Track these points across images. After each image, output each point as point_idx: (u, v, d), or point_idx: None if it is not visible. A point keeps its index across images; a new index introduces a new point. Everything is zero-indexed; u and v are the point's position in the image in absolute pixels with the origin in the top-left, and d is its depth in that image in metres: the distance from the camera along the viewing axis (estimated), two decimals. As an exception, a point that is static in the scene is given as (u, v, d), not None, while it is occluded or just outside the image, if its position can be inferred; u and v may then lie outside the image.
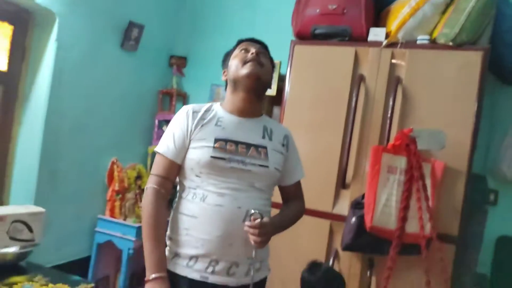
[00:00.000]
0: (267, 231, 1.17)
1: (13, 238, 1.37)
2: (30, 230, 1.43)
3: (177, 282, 1.19)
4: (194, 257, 1.19)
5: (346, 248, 1.83)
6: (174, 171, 1.25)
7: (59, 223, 2.05)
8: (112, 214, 2.31)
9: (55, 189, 2.06)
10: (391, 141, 1.80)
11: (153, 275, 1.14)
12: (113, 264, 2.44)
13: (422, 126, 1.80)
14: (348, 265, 1.92)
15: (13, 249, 1.40)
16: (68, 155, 2.13)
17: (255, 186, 1.24)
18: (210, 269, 1.18)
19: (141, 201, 2.51)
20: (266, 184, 1.28)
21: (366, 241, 1.75)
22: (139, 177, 2.54)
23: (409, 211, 1.70)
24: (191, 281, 1.18)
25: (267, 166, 1.25)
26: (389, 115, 1.86)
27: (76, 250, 2.24)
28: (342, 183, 1.96)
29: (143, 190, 2.54)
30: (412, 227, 1.70)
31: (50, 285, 1.34)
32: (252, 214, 1.16)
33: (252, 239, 1.15)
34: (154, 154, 2.76)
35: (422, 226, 1.66)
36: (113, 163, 2.38)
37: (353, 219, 1.79)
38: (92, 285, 1.42)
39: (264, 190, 1.28)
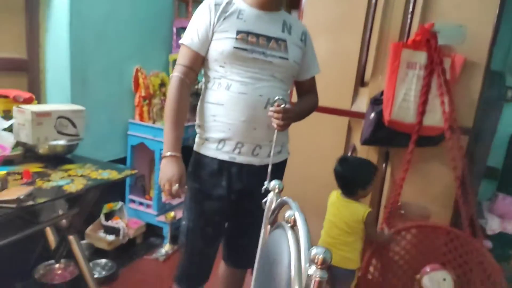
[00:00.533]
0: (289, 116, 1.28)
1: (60, 132, 1.52)
2: (74, 125, 1.57)
3: (209, 163, 1.34)
4: (222, 141, 1.32)
5: (365, 142, 1.94)
6: (198, 63, 1.33)
7: (95, 126, 2.20)
8: (142, 119, 2.46)
9: (87, 95, 2.18)
10: (412, 38, 1.80)
11: (169, 153, 1.28)
12: (147, 164, 2.66)
13: (443, 20, 1.77)
14: (366, 158, 2.06)
15: (61, 142, 1.56)
16: (95, 63, 2.21)
17: (276, 77, 1.32)
18: (237, 151, 1.32)
19: (167, 107, 2.63)
20: (286, 76, 1.36)
21: (384, 135, 1.86)
22: (162, 84, 2.62)
23: (427, 105, 1.77)
24: (221, 162, 1.33)
25: (286, 59, 1.32)
26: (410, 10, 1.83)
27: (113, 151, 2.44)
28: (361, 81, 2.01)
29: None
30: (429, 120, 1.78)
31: (100, 170, 1.52)
32: (276, 100, 1.26)
33: (275, 123, 1.27)
34: (175, 62, 2.82)
35: (444, 119, 1.74)
36: (137, 70, 2.46)
37: (372, 115, 1.87)
38: (136, 171, 1.60)
39: (284, 81, 1.36)
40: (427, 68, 1.76)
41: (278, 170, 1.40)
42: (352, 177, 1.68)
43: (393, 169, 1.99)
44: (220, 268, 1.72)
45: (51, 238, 1.84)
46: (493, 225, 2.16)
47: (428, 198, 2.02)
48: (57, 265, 2.12)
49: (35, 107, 1.45)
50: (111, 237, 2.36)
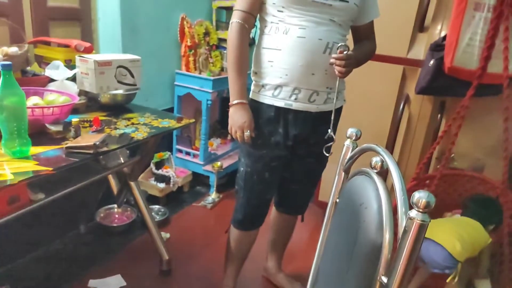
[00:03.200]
0: (351, 62, 1.25)
1: (120, 82, 1.54)
2: (132, 75, 1.59)
3: (265, 110, 1.35)
4: (279, 87, 1.31)
5: (420, 91, 1.87)
6: (257, 7, 1.31)
7: (144, 76, 2.21)
8: (188, 69, 2.46)
9: (137, 45, 2.18)
10: (481, -24, 1.66)
11: (236, 101, 1.30)
12: (193, 115, 2.70)
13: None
14: (419, 108, 2.00)
15: (121, 91, 1.60)
16: (143, 12, 2.18)
17: (335, 21, 1.28)
18: (293, 97, 1.31)
19: (211, 57, 2.61)
20: (345, 20, 1.30)
21: (443, 83, 1.78)
22: (206, 33, 2.58)
23: (493, 51, 1.66)
24: (277, 108, 1.33)
25: (347, 1, 1.27)
26: None
27: (161, 101, 2.47)
28: (420, 26, 1.89)
29: (211, 46, 2.61)
30: (493, 67, 1.67)
31: (159, 119, 1.55)
32: (339, 47, 1.24)
33: (337, 69, 1.24)
34: (218, 9, 2.73)
35: (506, 67, 1.63)
36: (182, 19, 2.42)
37: (431, 62, 1.78)
38: (193, 120, 1.63)
39: (342, 26, 1.31)
40: (495, 9, 1.63)
41: (335, 116, 1.38)
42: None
43: (448, 120, 1.92)
44: (272, 214, 1.78)
45: (113, 184, 1.94)
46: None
47: (482, 150, 1.97)
48: (116, 209, 2.27)
49: (97, 57, 1.46)
50: (161, 185, 2.46)
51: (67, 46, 1.65)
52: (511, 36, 1.62)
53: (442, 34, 1.82)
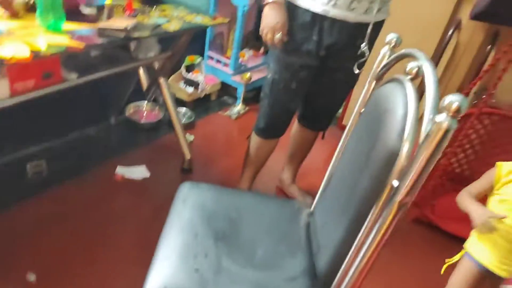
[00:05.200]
0: None
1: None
2: (168, -37, 1.51)
3: (301, 14, 1.27)
4: None
5: (476, 16, 1.71)
6: None
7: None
8: (227, -31, 2.31)
9: None
10: None
11: None
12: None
13: None
14: (469, 36, 1.85)
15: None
16: None
17: None
18: (332, 2, 1.22)
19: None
20: None
21: (504, 8, 1.60)
22: None
23: None
24: (314, 14, 1.25)
25: None
26: None
27: (197, 1, 2.37)
28: None
29: None
30: None
31: (193, 14, 1.51)
32: None
33: None
34: None
35: None
36: None
37: (495, -18, 1.59)
38: (228, 19, 1.57)
39: None
40: None
41: (374, 30, 1.30)
42: None
43: (498, 53, 1.78)
44: (294, 127, 1.78)
45: (143, 79, 1.97)
46: None
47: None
48: (145, 107, 2.34)
49: None
50: (190, 89, 2.49)
51: None
52: None
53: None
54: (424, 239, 1.83)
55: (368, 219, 0.73)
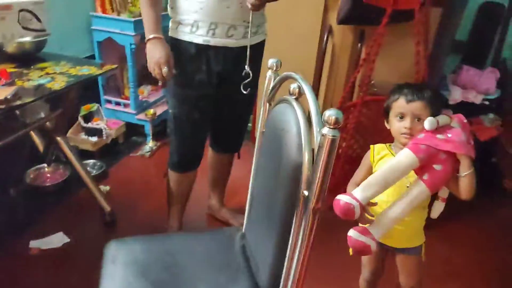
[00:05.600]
0: None
1: (25, 28, 1.40)
2: (38, 20, 1.44)
3: (185, 47, 1.33)
4: (195, 23, 1.28)
5: (341, 21, 1.93)
6: None
7: (55, 21, 2.01)
8: (104, 11, 2.27)
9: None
10: None
11: (152, 35, 1.26)
12: (117, 62, 2.54)
13: None
14: (341, 38, 2.07)
15: (28, 38, 1.45)
16: None
17: None
18: (210, 33, 1.30)
19: (129, -4, 2.42)
20: None
21: (361, 12, 1.84)
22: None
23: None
24: (197, 45, 1.31)
25: None
26: None
27: (79, 49, 2.28)
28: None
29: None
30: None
31: (78, 67, 1.46)
32: None
33: (249, 2, 1.21)
34: None
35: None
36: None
37: (350, -9, 1.82)
38: (116, 65, 1.55)
39: None
40: None
41: (257, 52, 1.40)
42: None
43: (367, 48, 2.02)
44: (209, 154, 1.82)
45: (38, 142, 1.83)
46: (455, 95, 2.32)
47: (399, 75, 2.12)
48: (46, 169, 2.16)
49: (-9, 1, 1.30)
50: (93, 138, 2.37)
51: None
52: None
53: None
54: (345, 223, 1.98)
55: (292, 230, 0.80)
